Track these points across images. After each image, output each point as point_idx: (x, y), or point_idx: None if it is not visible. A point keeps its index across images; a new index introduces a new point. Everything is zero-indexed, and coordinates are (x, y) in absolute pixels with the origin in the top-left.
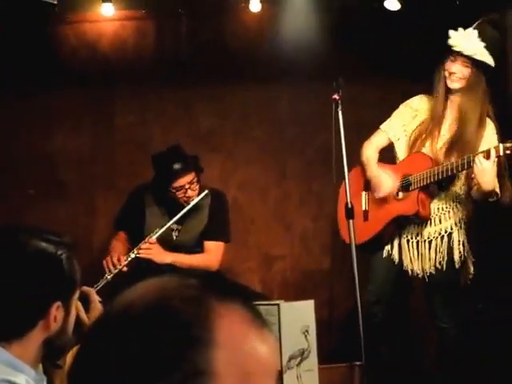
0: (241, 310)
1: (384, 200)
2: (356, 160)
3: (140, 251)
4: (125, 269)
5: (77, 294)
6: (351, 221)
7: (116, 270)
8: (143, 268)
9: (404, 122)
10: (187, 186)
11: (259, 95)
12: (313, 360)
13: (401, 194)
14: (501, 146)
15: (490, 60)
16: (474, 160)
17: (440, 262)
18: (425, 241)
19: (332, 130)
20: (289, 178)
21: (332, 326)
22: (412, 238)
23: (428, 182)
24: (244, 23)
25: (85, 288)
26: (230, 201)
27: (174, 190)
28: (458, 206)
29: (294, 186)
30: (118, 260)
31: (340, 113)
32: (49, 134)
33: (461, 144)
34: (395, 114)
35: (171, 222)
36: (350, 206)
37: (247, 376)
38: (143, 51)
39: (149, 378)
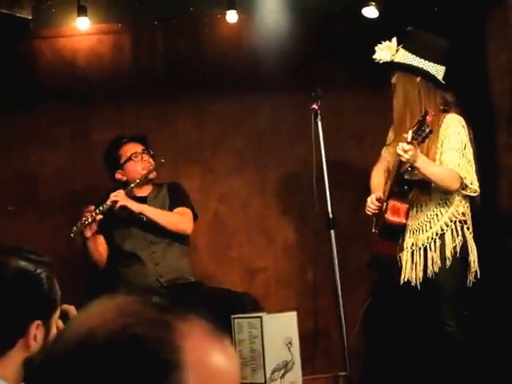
0: (201, 324)
1: (379, 218)
2: (336, 169)
3: (114, 198)
4: (100, 216)
5: (57, 313)
6: (332, 231)
7: (90, 219)
8: (115, 223)
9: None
10: (140, 151)
11: (238, 107)
12: (297, 372)
13: (384, 208)
14: (410, 132)
15: (413, 60)
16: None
17: (436, 267)
18: (420, 248)
19: (312, 140)
20: (270, 189)
21: (316, 338)
22: (407, 248)
23: (388, 188)
24: (221, 35)
25: (65, 306)
26: (210, 213)
27: (130, 159)
28: (447, 206)
29: (275, 198)
30: (91, 210)
31: (319, 123)
32: (27, 151)
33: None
34: (388, 136)
35: (137, 181)
36: (331, 216)
37: None
38: (120, 65)
39: None
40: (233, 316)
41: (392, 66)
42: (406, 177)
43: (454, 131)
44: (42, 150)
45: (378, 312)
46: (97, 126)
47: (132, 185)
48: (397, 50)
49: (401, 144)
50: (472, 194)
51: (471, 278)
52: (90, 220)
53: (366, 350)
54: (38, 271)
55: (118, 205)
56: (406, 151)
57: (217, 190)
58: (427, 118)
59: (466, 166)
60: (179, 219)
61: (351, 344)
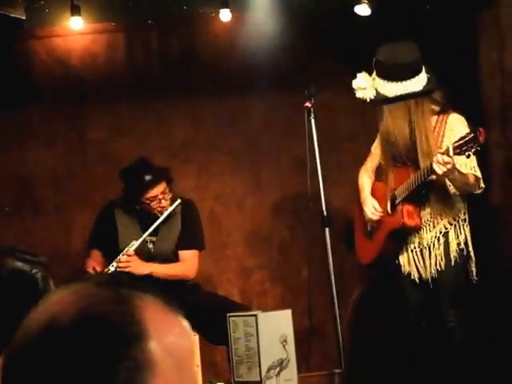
0: (155, 300)
1: (382, 219)
2: (330, 166)
3: (120, 264)
4: None
5: None
6: (327, 229)
7: None
8: None
9: None
10: (160, 197)
11: (232, 106)
12: (292, 369)
13: (390, 210)
14: (450, 146)
15: (398, 88)
16: (432, 168)
17: (440, 264)
18: (425, 247)
19: (306, 138)
20: (264, 187)
21: (311, 335)
22: (415, 248)
23: (407, 193)
24: (214, 33)
25: None
26: (206, 212)
27: (147, 202)
28: (450, 205)
29: (269, 196)
30: (94, 270)
31: (313, 120)
32: (22, 151)
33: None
34: (378, 134)
35: (147, 233)
36: (325, 214)
37: (178, 359)
38: (114, 64)
39: None
40: (228, 314)
41: (381, 101)
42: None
43: (461, 133)
44: (38, 150)
45: (375, 311)
46: (92, 125)
47: (140, 242)
48: (373, 79)
49: (440, 156)
50: (479, 192)
51: (472, 274)
52: None
53: (357, 348)
54: (34, 271)
55: (126, 270)
56: (444, 164)
57: (212, 189)
58: (480, 137)
59: (477, 165)
60: (185, 270)
61: (346, 341)
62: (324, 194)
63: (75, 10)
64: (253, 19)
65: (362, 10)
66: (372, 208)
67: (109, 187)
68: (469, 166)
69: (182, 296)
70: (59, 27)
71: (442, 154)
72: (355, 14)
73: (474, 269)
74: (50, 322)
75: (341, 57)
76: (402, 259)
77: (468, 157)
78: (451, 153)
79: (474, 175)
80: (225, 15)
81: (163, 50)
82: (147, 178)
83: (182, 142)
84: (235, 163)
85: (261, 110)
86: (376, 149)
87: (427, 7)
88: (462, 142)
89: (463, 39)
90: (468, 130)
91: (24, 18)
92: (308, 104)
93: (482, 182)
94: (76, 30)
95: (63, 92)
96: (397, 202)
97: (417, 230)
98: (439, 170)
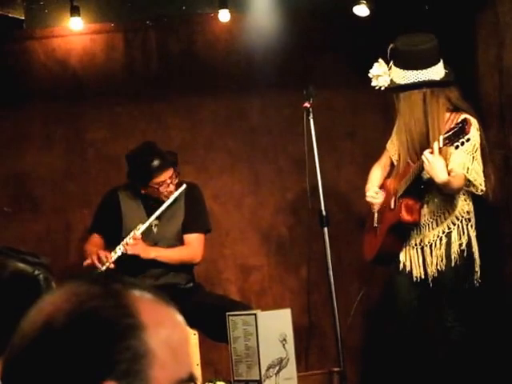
0: (147, 293)
1: (385, 214)
2: (328, 166)
3: (126, 247)
4: (112, 266)
5: None
6: (325, 228)
7: (104, 267)
8: (127, 265)
9: None
10: (168, 181)
11: (230, 105)
12: (291, 368)
13: (393, 205)
14: (441, 137)
15: (413, 76)
16: (422, 160)
17: (440, 264)
18: (426, 245)
19: (304, 138)
20: (263, 187)
21: (310, 334)
22: (416, 245)
23: (405, 187)
24: (213, 34)
25: None
26: None
27: (156, 186)
28: (454, 204)
29: (268, 195)
30: (106, 257)
31: (311, 120)
32: (21, 151)
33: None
34: (394, 131)
35: (153, 216)
36: (324, 213)
37: (174, 348)
38: (113, 65)
39: (96, 379)
40: (227, 313)
41: (395, 89)
42: (426, 177)
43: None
44: (36, 150)
45: (375, 309)
46: (90, 125)
47: (146, 225)
48: (389, 68)
49: (427, 154)
50: (479, 193)
51: (475, 276)
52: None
53: (356, 346)
54: (36, 273)
55: (130, 252)
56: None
57: (210, 188)
58: (467, 127)
59: (476, 169)
60: (190, 253)
61: (345, 340)
62: (322, 194)
63: (74, 11)
64: (252, 19)
65: (361, 10)
66: (373, 192)
67: (107, 188)
68: (462, 165)
69: (183, 296)
70: (58, 28)
71: (432, 151)
72: (354, 14)
73: (477, 269)
74: (45, 323)
75: (340, 57)
76: (403, 256)
77: (457, 148)
78: (441, 144)
79: (465, 176)
80: (224, 15)
81: (162, 50)
82: (155, 163)
83: (181, 141)
84: (234, 163)
85: (259, 109)
86: (390, 145)
87: (425, 7)
88: (450, 133)
89: (460, 39)
90: (477, 132)
91: (23, 18)
92: (307, 104)
93: (483, 185)
94: (75, 31)
95: (62, 92)
96: (397, 196)
97: (415, 225)
98: (425, 165)
